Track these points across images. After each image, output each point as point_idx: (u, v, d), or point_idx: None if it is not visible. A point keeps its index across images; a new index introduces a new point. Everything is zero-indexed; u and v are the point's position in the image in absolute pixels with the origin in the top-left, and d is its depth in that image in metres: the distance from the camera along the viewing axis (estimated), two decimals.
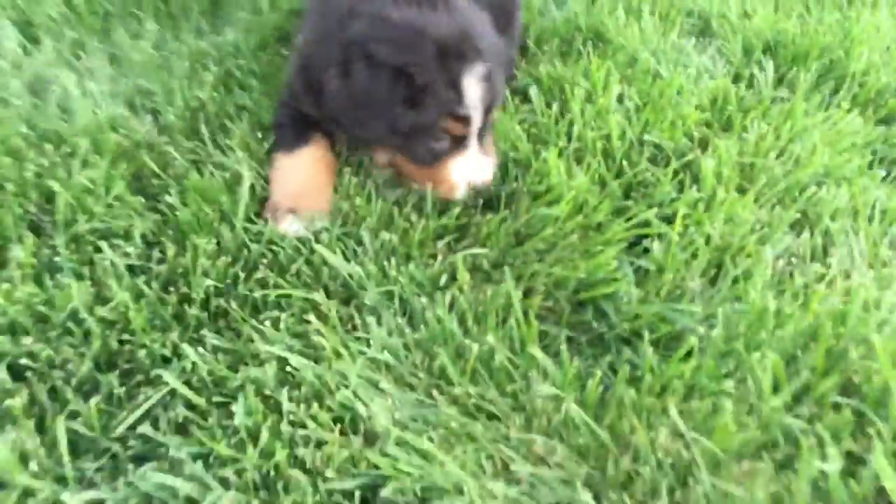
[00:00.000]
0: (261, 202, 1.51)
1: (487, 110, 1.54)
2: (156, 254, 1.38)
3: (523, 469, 1.14)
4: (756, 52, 2.21)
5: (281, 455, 1.08)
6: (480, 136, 1.57)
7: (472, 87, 1.47)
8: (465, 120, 1.50)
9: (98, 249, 1.35)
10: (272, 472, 1.08)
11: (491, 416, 1.23)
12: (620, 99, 1.90)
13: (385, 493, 1.09)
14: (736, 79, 2.11)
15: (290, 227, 1.45)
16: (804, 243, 1.59)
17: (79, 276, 1.29)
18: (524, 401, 1.24)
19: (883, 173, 1.82)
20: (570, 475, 1.14)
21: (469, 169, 1.55)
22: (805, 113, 1.93)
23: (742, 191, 1.67)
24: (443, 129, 1.50)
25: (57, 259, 1.33)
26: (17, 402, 1.09)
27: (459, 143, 1.54)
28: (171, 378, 1.15)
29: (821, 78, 2.14)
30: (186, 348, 1.20)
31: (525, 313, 1.32)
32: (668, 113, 1.84)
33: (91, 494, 1.03)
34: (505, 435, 1.19)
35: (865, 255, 1.60)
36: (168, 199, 1.46)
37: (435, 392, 1.22)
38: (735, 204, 1.60)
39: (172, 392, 1.18)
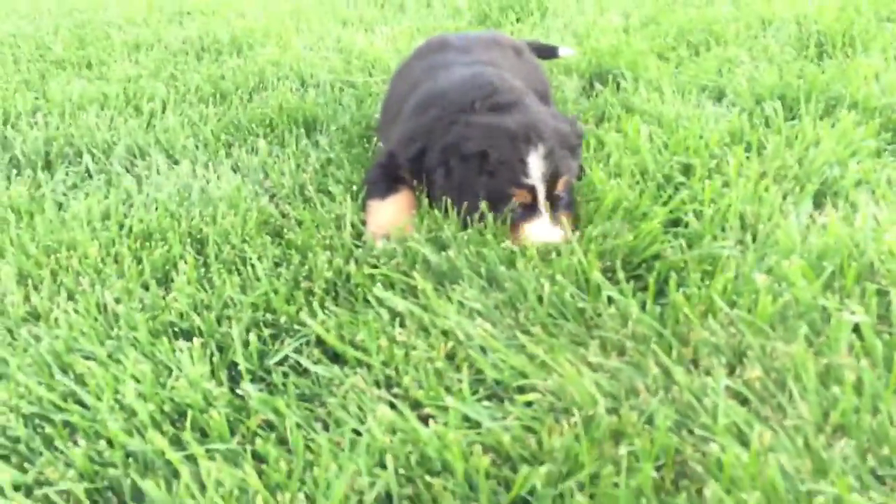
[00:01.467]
0: (358, 234, 1.88)
1: (552, 183, 1.88)
2: (282, 268, 1.73)
3: (603, 361, 1.37)
4: (766, 99, 2.56)
5: (399, 354, 1.35)
6: (553, 207, 1.88)
7: (535, 163, 1.86)
8: (531, 189, 1.86)
9: (244, 262, 1.71)
10: (395, 371, 1.35)
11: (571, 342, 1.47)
12: (651, 139, 2.25)
13: (487, 376, 1.33)
14: (751, 119, 2.45)
15: (383, 244, 1.79)
16: (831, 214, 1.84)
17: (230, 279, 1.64)
18: (595, 325, 1.49)
19: (892, 159, 2.09)
20: (641, 362, 1.36)
21: (536, 231, 1.84)
22: (815, 130, 2.23)
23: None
24: (513, 197, 1.85)
25: (210, 274, 1.69)
26: (196, 343, 1.40)
27: (531, 210, 1.87)
28: (312, 323, 1.46)
29: (826, 109, 2.46)
30: (317, 307, 1.52)
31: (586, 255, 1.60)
32: (692, 142, 2.17)
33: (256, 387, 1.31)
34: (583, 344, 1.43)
35: (886, 213, 1.82)
36: (289, 235, 1.84)
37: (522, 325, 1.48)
38: (756, 185, 1.88)
39: (307, 343, 1.48)
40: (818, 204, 1.91)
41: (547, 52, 3.14)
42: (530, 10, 4.15)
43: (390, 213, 1.93)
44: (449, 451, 1.10)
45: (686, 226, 1.79)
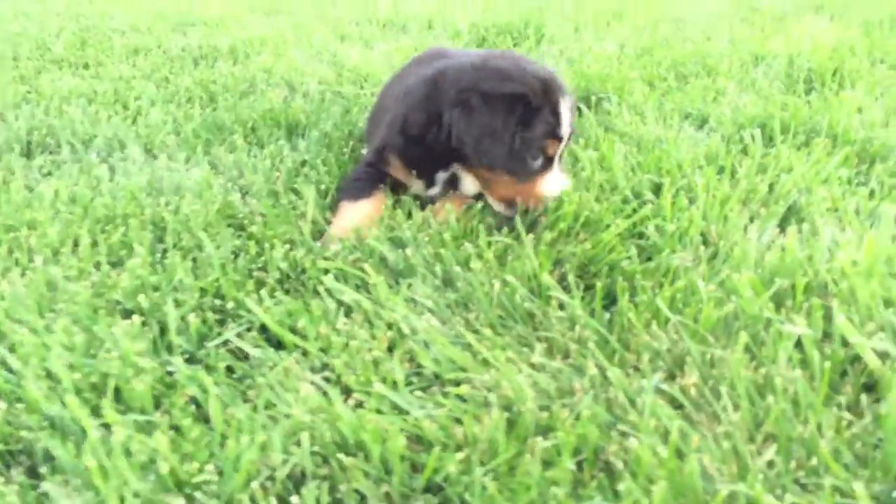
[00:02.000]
0: (321, 232, 1.88)
1: (569, 137, 1.90)
2: (240, 258, 1.73)
3: (546, 362, 1.35)
4: (747, 127, 2.57)
5: (337, 340, 1.34)
6: (560, 157, 1.91)
7: (566, 115, 1.85)
8: (559, 141, 1.85)
9: (199, 248, 1.71)
10: (332, 359, 1.34)
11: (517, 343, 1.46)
12: (625, 157, 2.25)
13: (426, 370, 1.32)
14: (728, 145, 2.45)
15: (336, 247, 1.78)
16: (791, 235, 1.83)
17: (183, 264, 1.64)
18: (543, 329, 1.48)
19: (864, 189, 2.08)
20: (583, 365, 1.35)
21: (552, 183, 1.86)
22: (789, 157, 2.23)
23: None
24: (540, 148, 1.84)
25: (166, 260, 1.69)
26: (136, 319, 1.40)
27: (549, 162, 1.88)
28: (256, 308, 1.45)
29: (805, 140, 2.46)
30: (265, 295, 1.51)
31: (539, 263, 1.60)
32: (665, 162, 2.17)
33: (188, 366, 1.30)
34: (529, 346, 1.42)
35: (851, 239, 1.81)
36: (251, 228, 1.84)
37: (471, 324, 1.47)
38: (723, 205, 1.88)
39: (249, 329, 1.48)
40: (785, 228, 1.90)
41: None
42: (527, 35, 4.19)
43: (357, 218, 1.89)
44: (364, 432, 1.08)
45: (647, 239, 1.79)
